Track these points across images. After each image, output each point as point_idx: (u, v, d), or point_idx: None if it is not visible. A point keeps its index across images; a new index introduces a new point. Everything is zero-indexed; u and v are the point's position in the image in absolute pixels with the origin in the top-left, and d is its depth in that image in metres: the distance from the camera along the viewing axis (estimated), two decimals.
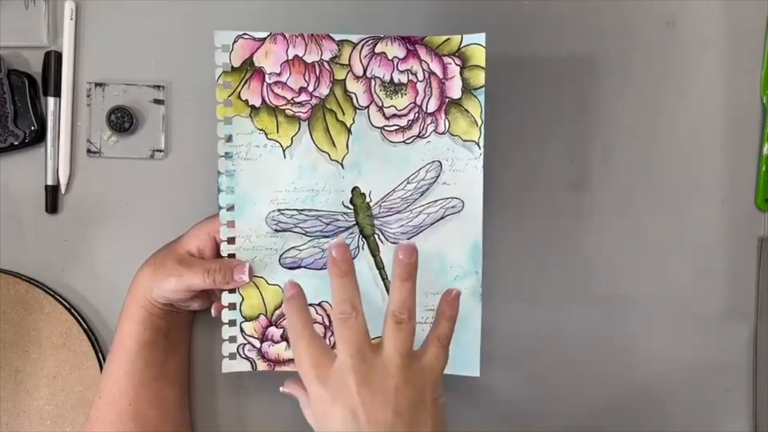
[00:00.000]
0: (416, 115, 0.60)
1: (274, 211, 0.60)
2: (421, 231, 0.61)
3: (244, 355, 0.61)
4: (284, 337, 0.61)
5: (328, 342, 0.60)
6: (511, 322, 0.68)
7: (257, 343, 0.61)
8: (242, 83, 0.59)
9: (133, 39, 0.67)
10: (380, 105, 0.60)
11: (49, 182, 0.67)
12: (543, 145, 0.68)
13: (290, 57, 0.59)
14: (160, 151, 0.68)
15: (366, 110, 0.60)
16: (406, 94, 0.60)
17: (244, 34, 0.58)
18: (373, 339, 0.54)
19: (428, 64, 0.59)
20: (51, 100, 0.67)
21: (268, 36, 0.58)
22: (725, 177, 0.69)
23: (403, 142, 0.60)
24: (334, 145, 0.60)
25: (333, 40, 0.59)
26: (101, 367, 0.66)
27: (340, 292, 0.53)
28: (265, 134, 0.59)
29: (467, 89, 0.59)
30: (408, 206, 0.60)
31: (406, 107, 0.60)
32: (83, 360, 0.66)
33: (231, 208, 0.59)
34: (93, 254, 0.68)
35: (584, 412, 0.69)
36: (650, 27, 0.68)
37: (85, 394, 0.66)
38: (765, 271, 0.68)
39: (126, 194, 0.68)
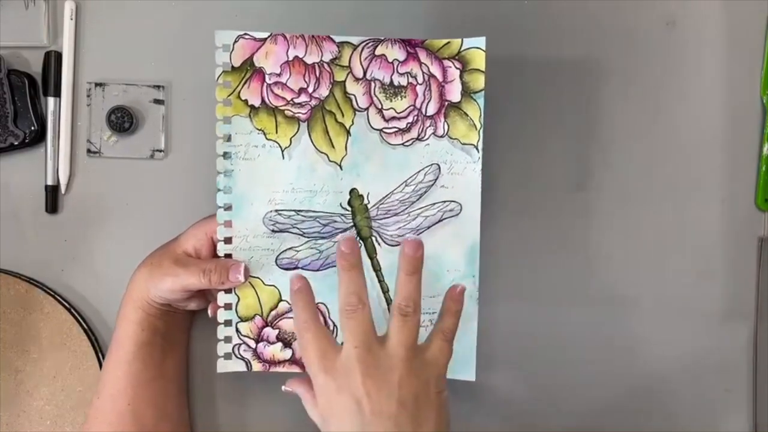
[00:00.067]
0: (415, 117, 0.60)
1: (271, 211, 0.60)
2: (419, 234, 0.60)
3: (239, 356, 0.61)
4: (279, 338, 0.61)
5: None
6: (511, 322, 0.68)
7: (252, 344, 0.61)
8: (242, 83, 0.59)
9: (133, 39, 0.67)
10: (380, 107, 0.59)
11: (49, 182, 0.67)
12: (543, 144, 0.68)
13: (290, 58, 0.59)
14: (160, 151, 0.68)
15: (365, 112, 0.59)
16: (405, 97, 0.59)
17: (245, 34, 0.58)
18: None
19: (428, 67, 0.59)
20: (51, 100, 0.67)
21: (268, 36, 0.58)
22: (725, 177, 0.69)
23: (402, 144, 0.60)
24: (333, 147, 0.60)
25: (333, 41, 0.59)
26: (101, 367, 0.66)
27: (347, 285, 0.54)
28: (264, 134, 0.59)
29: (467, 93, 0.59)
30: (406, 209, 0.60)
31: (406, 110, 0.60)
32: (83, 360, 0.66)
33: (228, 207, 0.59)
34: (93, 254, 0.68)
35: (584, 412, 0.69)
36: (650, 27, 0.68)
37: (85, 394, 0.66)
38: (765, 271, 0.68)
39: (126, 194, 0.68)
